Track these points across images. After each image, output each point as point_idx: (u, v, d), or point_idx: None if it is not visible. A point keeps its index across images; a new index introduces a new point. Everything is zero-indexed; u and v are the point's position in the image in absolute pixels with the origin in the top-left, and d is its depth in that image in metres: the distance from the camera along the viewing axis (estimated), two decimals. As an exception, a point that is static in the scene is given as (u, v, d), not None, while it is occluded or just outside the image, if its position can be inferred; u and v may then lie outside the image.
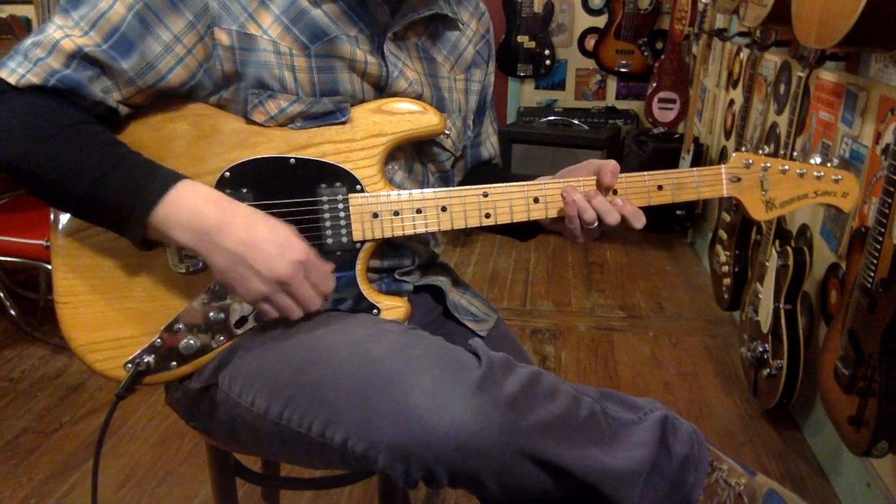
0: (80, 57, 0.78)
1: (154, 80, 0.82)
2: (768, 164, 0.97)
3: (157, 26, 0.80)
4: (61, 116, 0.78)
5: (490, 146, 1.15)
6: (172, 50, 0.81)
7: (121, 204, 0.77)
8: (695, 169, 0.95)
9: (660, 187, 0.94)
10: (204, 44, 0.83)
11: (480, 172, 1.13)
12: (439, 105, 0.97)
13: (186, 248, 0.80)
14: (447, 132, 0.98)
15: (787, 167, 0.97)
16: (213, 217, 0.77)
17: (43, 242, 2.00)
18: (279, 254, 0.77)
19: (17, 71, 0.78)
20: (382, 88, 0.92)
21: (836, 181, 0.98)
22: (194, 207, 0.77)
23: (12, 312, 2.38)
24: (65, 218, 0.85)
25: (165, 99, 0.86)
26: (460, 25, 1.01)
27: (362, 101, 0.91)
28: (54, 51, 0.78)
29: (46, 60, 0.78)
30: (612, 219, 0.89)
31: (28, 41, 0.79)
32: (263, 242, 0.77)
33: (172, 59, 0.81)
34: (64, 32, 0.78)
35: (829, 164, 0.98)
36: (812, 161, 0.98)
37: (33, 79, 0.78)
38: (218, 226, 0.77)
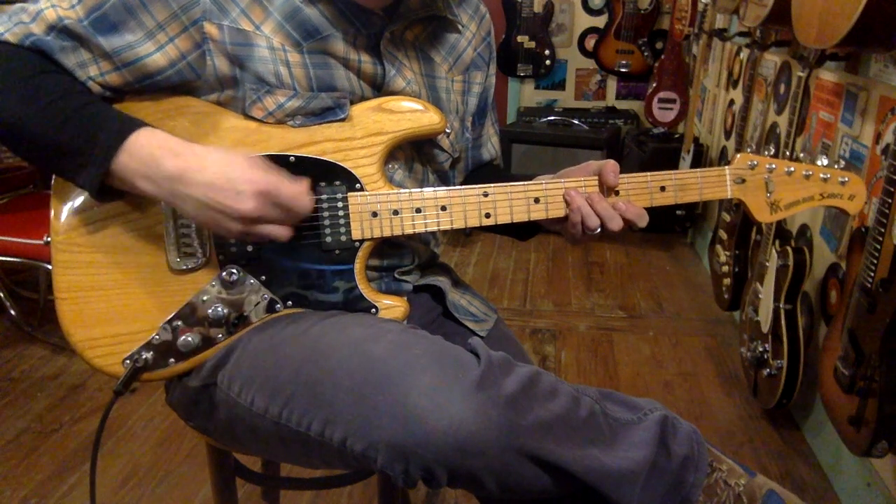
0: (59, 28, 0.81)
1: (131, 59, 0.82)
2: (773, 166, 0.96)
3: (140, 12, 0.81)
4: (34, 64, 0.80)
5: (491, 147, 1.15)
6: (154, 36, 0.82)
7: (79, 149, 0.78)
8: (698, 170, 0.94)
9: (662, 188, 0.94)
10: (188, 35, 0.83)
11: (481, 174, 1.13)
12: (436, 106, 0.97)
13: (150, 196, 0.80)
14: (447, 131, 0.97)
15: (792, 169, 0.96)
16: (171, 165, 0.77)
17: (42, 242, 2.00)
18: (237, 193, 0.77)
19: None
20: (379, 87, 0.92)
21: (843, 183, 0.97)
22: (151, 156, 0.78)
23: (12, 312, 2.38)
24: (65, 214, 0.85)
25: (164, 96, 0.86)
26: (459, 27, 1.01)
27: (361, 98, 0.91)
28: (38, 18, 0.81)
29: (28, 25, 0.81)
30: (615, 224, 0.89)
31: (18, 5, 0.82)
32: (221, 184, 0.77)
33: (153, 45, 0.82)
34: (52, 3, 0.81)
35: (835, 166, 0.97)
36: (818, 162, 0.97)
37: (10, 38, 0.81)
38: (177, 175, 0.77)
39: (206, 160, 0.78)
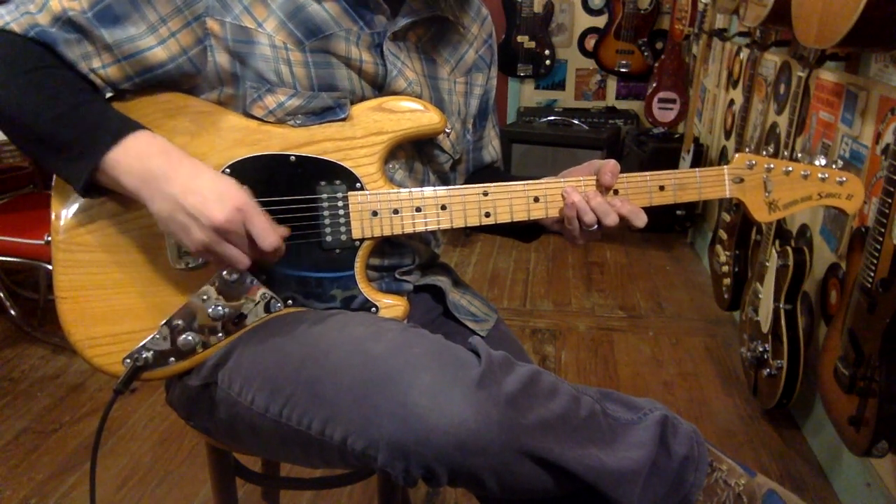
0: (64, 19, 0.81)
1: (131, 52, 0.82)
2: (772, 165, 0.96)
3: (144, 5, 0.82)
4: (37, 57, 0.81)
5: (492, 150, 1.15)
6: (156, 30, 0.82)
7: (75, 141, 0.78)
8: (697, 169, 0.95)
9: (662, 188, 0.94)
10: (191, 30, 0.83)
11: (482, 175, 1.13)
12: (438, 107, 0.97)
13: (131, 194, 0.79)
14: (447, 131, 0.97)
15: (790, 168, 0.96)
16: (161, 164, 0.78)
17: (42, 241, 2.00)
18: (217, 200, 0.77)
19: (3, 17, 0.81)
20: (381, 87, 0.92)
21: (841, 183, 0.97)
22: (145, 154, 0.78)
23: (12, 312, 2.37)
24: (66, 213, 0.85)
25: (164, 95, 0.86)
26: (461, 29, 1.01)
27: (362, 98, 0.91)
28: (44, 8, 0.81)
29: (34, 15, 0.81)
30: (611, 220, 0.89)
31: None
32: (204, 188, 0.77)
33: (154, 38, 0.82)
34: None
35: (833, 166, 0.98)
36: (816, 162, 0.97)
37: (15, 27, 0.81)
38: (164, 173, 0.78)
39: (197, 168, 0.79)
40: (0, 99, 0.79)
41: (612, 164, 0.91)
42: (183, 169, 0.78)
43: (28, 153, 0.85)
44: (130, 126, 0.80)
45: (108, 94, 0.85)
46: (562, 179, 0.93)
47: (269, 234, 0.80)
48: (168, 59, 0.83)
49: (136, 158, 0.78)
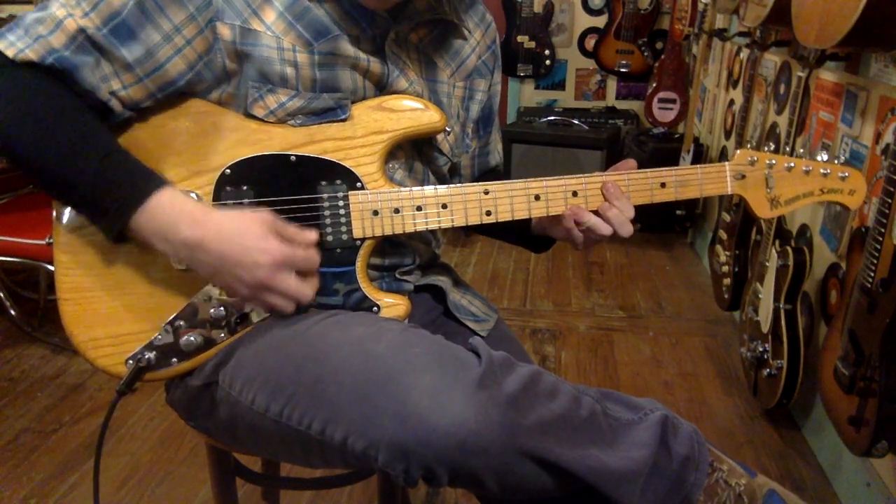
0: (81, 39, 0.79)
1: (152, 68, 0.82)
2: (773, 161, 0.96)
3: (157, 16, 0.81)
4: (55, 99, 0.79)
5: (497, 153, 1.17)
6: (171, 40, 0.81)
7: (98, 203, 0.78)
8: (698, 166, 0.95)
9: (663, 185, 0.94)
10: (204, 37, 0.83)
11: (487, 180, 1.13)
12: None
13: (168, 255, 0.82)
14: (448, 130, 0.98)
15: (792, 164, 0.96)
16: (188, 233, 0.79)
17: (43, 242, 2.00)
18: (253, 262, 0.79)
19: (15, 44, 0.78)
20: (383, 87, 0.92)
21: (843, 178, 0.97)
22: (170, 221, 0.79)
23: (12, 312, 2.37)
24: (68, 214, 0.86)
25: (166, 97, 0.86)
26: (465, 33, 1.01)
27: (363, 98, 0.91)
28: (57, 30, 0.78)
29: (47, 38, 0.78)
30: (605, 230, 0.91)
31: (31, 16, 0.79)
32: (237, 254, 0.79)
33: (171, 49, 0.82)
34: (67, 11, 0.79)
35: (835, 162, 0.97)
36: (818, 158, 0.97)
37: (31, 55, 0.78)
38: (195, 242, 0.79)
39: (223, 228, 0.79)
40: (18, 142, 0.77)
41: (630, 163, 0.94)
42: (210, 234, 0.79)
43: (52, 197, 0.84)
44: (150, 185, 0.79)
45: (128, 114, 0.84)
46: (563, 177, 0.93)
47: (313, 261, 0.84)
48: (187, 67, 0.83)
49: (162, 225, 0.79)
